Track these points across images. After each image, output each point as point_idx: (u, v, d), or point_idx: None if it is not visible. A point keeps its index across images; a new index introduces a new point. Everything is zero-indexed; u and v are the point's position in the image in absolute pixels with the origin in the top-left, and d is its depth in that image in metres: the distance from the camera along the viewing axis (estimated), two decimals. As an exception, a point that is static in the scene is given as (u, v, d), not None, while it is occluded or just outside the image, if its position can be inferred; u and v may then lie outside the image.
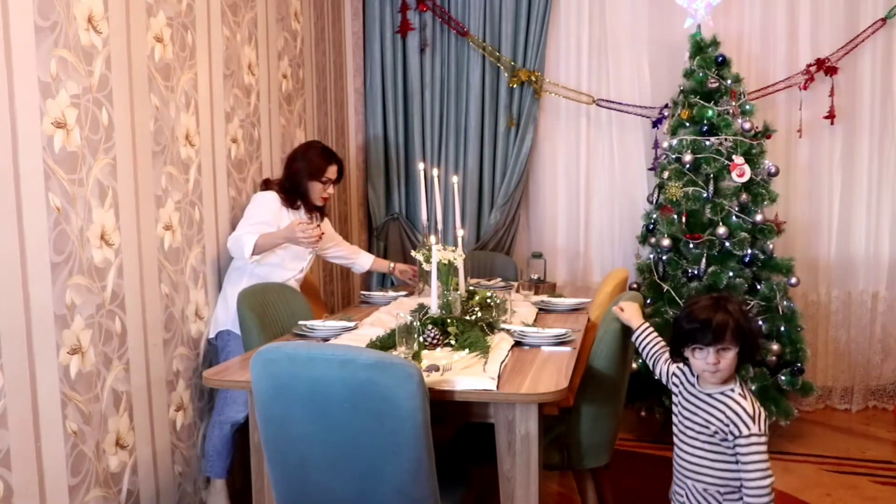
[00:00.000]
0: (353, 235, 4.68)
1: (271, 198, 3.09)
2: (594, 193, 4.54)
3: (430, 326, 2.46)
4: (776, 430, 3.74)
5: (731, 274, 3.57)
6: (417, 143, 4.55)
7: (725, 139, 3.65)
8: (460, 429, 2.80)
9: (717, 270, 3.58)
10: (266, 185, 3.21)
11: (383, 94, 4.56)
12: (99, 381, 2.33)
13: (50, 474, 2.11)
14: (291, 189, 3.16)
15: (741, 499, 1.87)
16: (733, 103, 3.70)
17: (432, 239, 2.70)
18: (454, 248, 2.82)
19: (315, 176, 3.17)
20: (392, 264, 3.72)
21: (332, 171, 3.21)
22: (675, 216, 3.67)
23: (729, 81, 3.72)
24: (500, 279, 4.00)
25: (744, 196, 3.64)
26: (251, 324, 2.72)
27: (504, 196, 4.43)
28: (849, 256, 4.25)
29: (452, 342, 2.44)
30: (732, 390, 1.91)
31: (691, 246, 3.68)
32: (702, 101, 3.71)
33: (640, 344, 2.24)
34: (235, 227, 3.04)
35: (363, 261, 3.67)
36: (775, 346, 3.54)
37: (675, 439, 2.02)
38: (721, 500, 1.91)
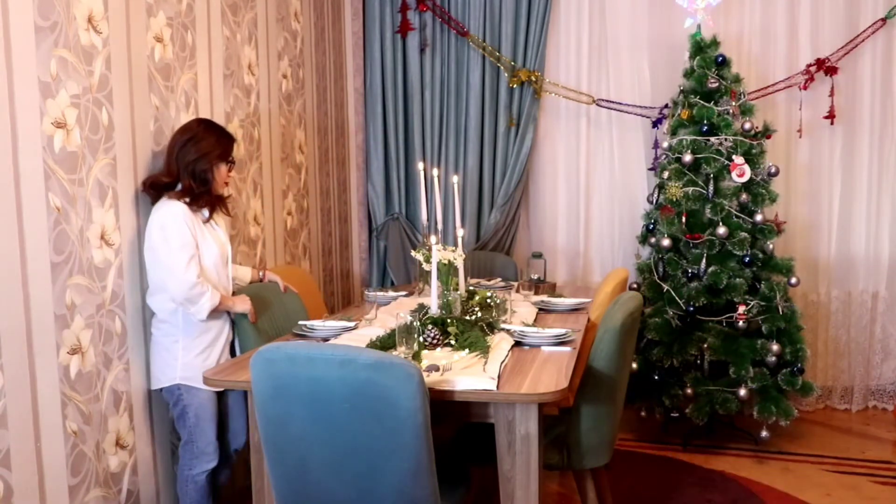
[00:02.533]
0: (353, 235, 4.68)
1: (181, 211, 2.46)
2: (594, 193, 4.54)
3: (430, 326, 2.46)
4: (776, 430, 3.74)
5: (731, 274, 3.58)
6: (417, 143, 4.55)
7: (725, 139, 3.65)
8: (460, 429, 2.80)
9: (717, 270, 3.59)
10: (154, 187, 2.51)
11: (383, 94, 4.56)
12: (99, 381, 2.33)
13: (50, 474, 2.10)
14: (199, 179, 2.52)
15: None
16: (733, 103, 3.70)
17: (432, 239, 2.70)
18: (454, 248, 2.82)
19: (223, 157, 2.58)
20: (262, 273, 3.03)
21: (234, 149, 2.68)
22: (675, 216, 3.68)
23: (729, 81, 3.72)
24: (500, 279, 4.00)
25: (744, 196, 3.64)
26: (247, 324, 2.69)
27: (504, 196, 4.43)
28: (849, 256, 4.24)
29: (452, 342, 2.44)
30: None
31: (691, 246, 3.68)
32: (702, 101, 3.71)
33: None
34: (151, 249, 2.44)
35: (242, 274, 2.93)
36: (775, 346, 3.54)
37: None
38: None
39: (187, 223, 2.45)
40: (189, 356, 2.52)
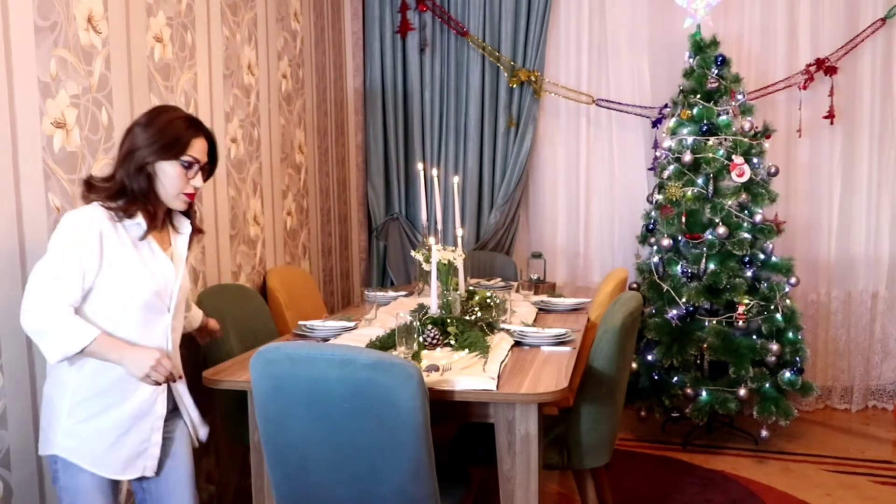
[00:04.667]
0: (353, 235, 4.68)
1: (93, 215, 1.76)
2: (594, 193, 4.54)
3: (430, 326, 2.46)
4: (776, 430, 3.74)
5: (731, 274, 3.58)
6: (417, 143, 4.55)
7: (725, 139, 3.66)
8: (460, 429, 2.80)
9: (717, 270, 3.59)
10: (89, 188, 1.82)
11: (383, 94, 4.56)
12: (99, 381, 2.32)
13: (50, 474, 2.10)
14: (126, 183, 1.80)
15: None
16: (733, 103, 3.70)
17: (432, 239, 2.70)
18: (454, 248, 2.82)
19: (169, 152, 1.81)
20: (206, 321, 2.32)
21: (198, 148, 1.86)
22: (675, 216, 3.68)
23: (729, 81, 3.72)
24: (500, 279, 4.00)
25: (744, 196, 3.64)
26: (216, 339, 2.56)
27: (504, 196, 4.44)
28: (849, 256, 4.25)
29: (452, 342, 2.44)
30: None
31: (691, 246, 3.68)
32: (702, 101, 3.71)
33: None
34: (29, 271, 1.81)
35: (193, 316, 2.26)
36: (775, 346, 3.54)
37: None
38: None
39: (95, 233, 1.74)
40: (72, 421, 1.78)
